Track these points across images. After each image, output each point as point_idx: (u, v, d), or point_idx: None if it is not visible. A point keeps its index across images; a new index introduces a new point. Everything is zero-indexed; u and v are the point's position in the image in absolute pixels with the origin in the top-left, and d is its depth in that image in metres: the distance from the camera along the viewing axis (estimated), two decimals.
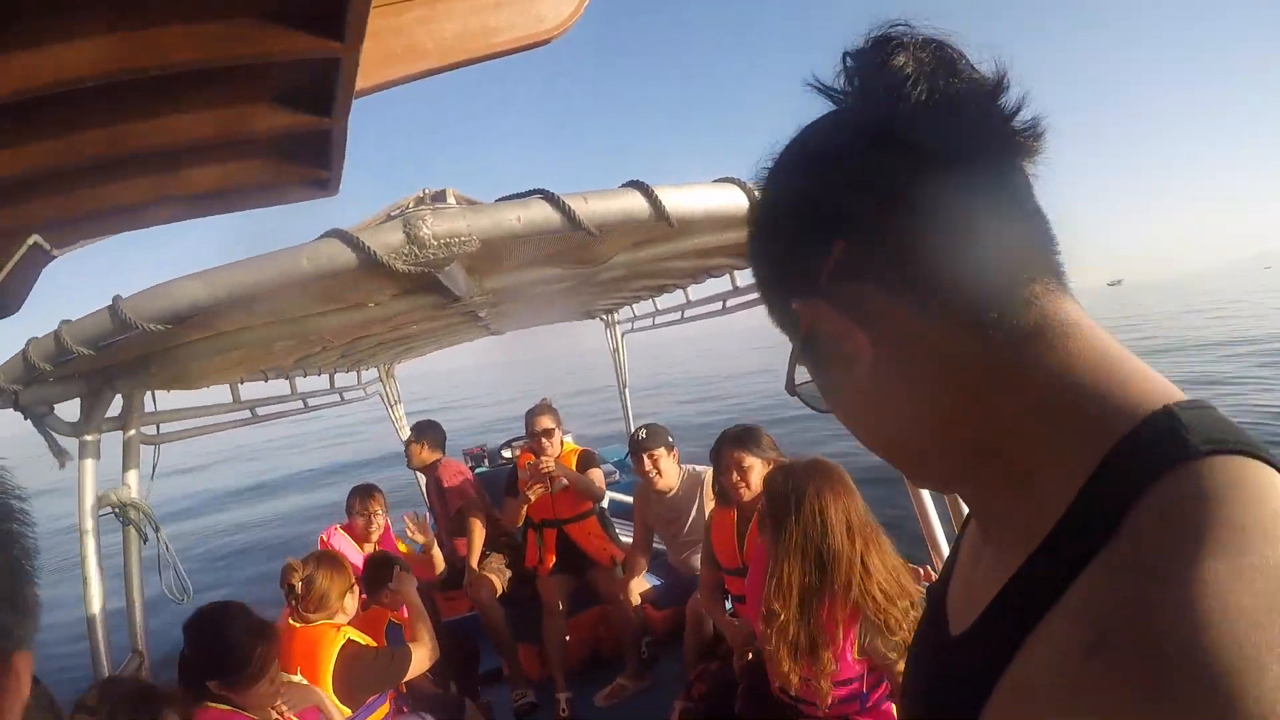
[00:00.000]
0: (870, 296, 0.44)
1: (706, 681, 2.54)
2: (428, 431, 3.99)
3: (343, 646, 2.09)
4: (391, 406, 5.31)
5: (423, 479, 4.36)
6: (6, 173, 1.24)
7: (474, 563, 3.48)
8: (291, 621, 2.18)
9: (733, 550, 2.54)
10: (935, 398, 0.44)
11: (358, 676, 2.08)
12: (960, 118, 0.42)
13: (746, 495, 2.45)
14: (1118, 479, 0.35)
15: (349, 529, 3.32)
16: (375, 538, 3.32)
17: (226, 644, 1.61)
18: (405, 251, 1.12)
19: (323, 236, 1.16)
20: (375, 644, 2.23)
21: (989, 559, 0.46)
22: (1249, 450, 0.35)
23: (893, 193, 0.42)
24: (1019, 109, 0.43)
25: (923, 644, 0.56)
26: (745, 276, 2.82)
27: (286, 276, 1.13)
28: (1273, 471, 0.34)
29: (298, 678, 1.98)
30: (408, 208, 1.27)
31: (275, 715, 1.72)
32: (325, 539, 3.26)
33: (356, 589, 2.31)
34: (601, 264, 1.85)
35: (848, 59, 0.45)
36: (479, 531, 3.53)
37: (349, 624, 2.25)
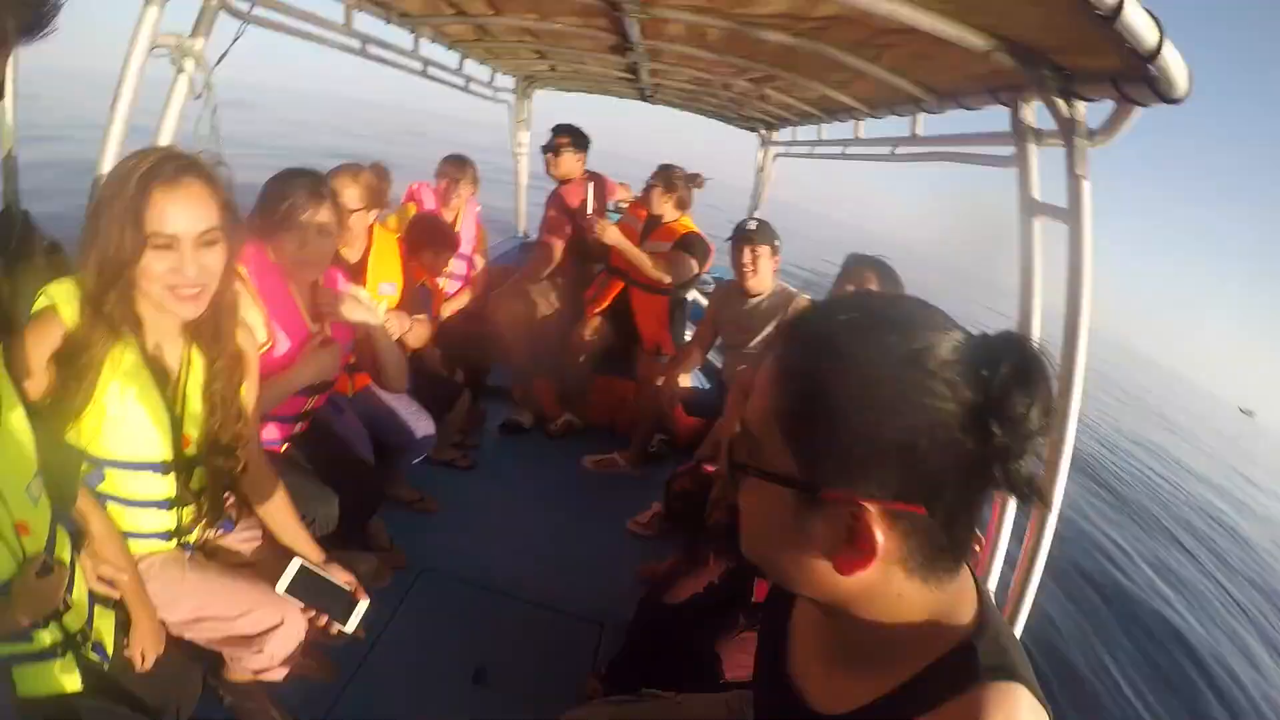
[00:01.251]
0: (883, 526, 0.54)
1: (690, 480, 2.40)
2: (578, 135, 3.49)
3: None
4: (515, 128, 4.85)
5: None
6: None
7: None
8: None
9: None
10: (875, 601, 0.60)
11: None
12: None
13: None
14: (930, 684, 0.58)
15: (435, 190, 3.37)
16: (455, 204, 3.32)
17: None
18: None
19: None
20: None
21: (848, 668, 0.66)
22: (1012, 674, 0.56)
23: (957, 484, 0.54)
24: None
25: (778, 707, 0.74)
26: (929, 124, 2.44)
27: None
28: (1023, 690, 0.55)
29: (362, 291, 1.96)
30: None
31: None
32: (414, 189, 3.36)
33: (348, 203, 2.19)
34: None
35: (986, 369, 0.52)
36: (549, 256, 3.47)
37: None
